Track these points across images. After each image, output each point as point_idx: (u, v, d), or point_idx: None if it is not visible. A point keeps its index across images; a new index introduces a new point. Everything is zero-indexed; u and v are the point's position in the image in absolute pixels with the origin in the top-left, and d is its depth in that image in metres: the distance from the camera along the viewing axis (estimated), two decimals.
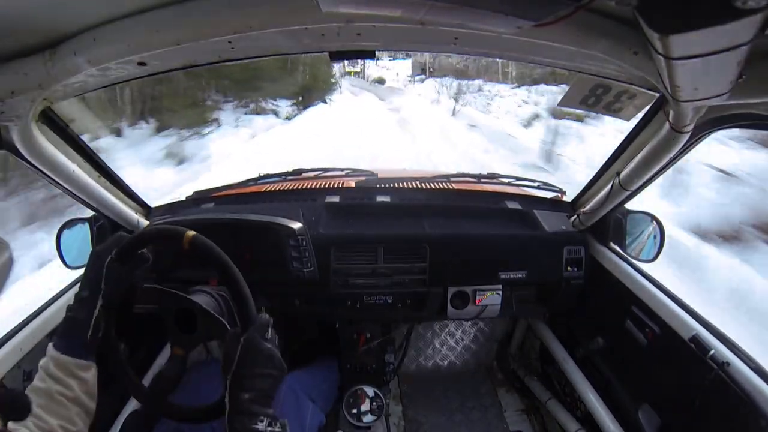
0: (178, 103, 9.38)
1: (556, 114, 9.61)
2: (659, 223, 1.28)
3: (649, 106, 0.96)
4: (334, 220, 1.46)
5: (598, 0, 0.44)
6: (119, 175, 1.26)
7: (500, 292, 1.42)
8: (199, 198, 1.62)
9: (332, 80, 18.96)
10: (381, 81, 32.31)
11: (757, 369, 0.89)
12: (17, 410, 0.56)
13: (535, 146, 8.30)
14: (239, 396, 0.67)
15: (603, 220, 1.37)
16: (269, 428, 0.66)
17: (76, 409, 0.71)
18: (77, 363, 0.73)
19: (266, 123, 11.10)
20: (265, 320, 0.73)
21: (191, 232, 0.79)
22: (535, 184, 1.65)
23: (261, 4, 0.64)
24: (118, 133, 8.04)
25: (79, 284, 0.80)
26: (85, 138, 1.08)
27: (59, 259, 1.26)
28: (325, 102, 16.17)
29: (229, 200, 1.59)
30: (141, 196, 1.42)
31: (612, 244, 1.40)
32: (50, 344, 0.74)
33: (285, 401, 1.19)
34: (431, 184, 1.66)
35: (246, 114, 11.41)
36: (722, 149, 5.46)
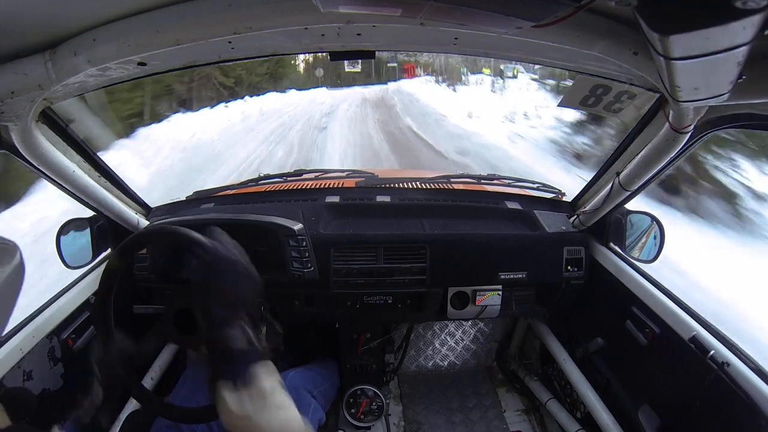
0: None
1: None
2: (659, 223, 1.28)
3: (649, 106, 0.96)
4: (334, 220, 1.46)
5: (598, 0, 0.44)
6: (119, 175, 1.26)
7: (500, 293, 1.42)
8: (199, 198, 1.62)
9: None
10: None
11: (757, 369, 0.89)
12: (23, 407, 0.54)
13: None
14: (211, 310, 0.62)
15: (603, 220, 1.37)
16: (242, 335, 0.61)
17: None
18: None
19: None
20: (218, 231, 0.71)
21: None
22: (535, 186, 1.65)
23: (261, 4, 0.64)
24: None
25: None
26: None
27: (59, 259, 1.27)
28: None
29: (229, 200, 1.59)
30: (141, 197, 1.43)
31: (612, 245, 1.39)
32: None
33: None
34: (431, 184, 1.66)
35: None
36: None
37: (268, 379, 0.59)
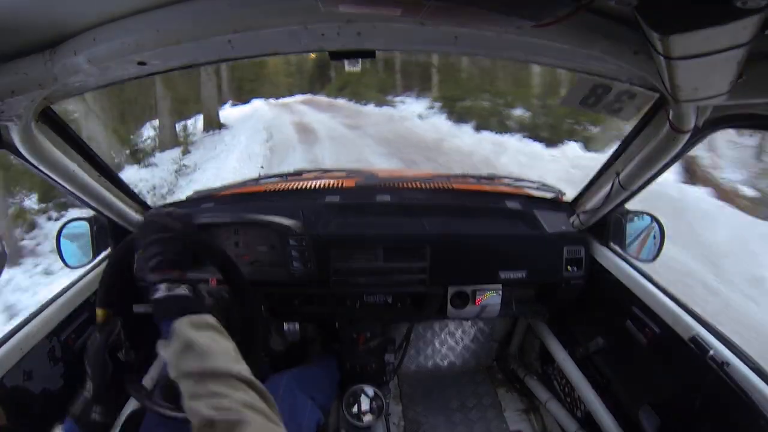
0: None
1: None
2: (659, 223, 1.28)
3: (649, 106, 0.96)
4: (334, 219, 1.46)
5: (598, 0, 0.44)
6: (119, 175, 1.26)
7: (500, 292, 1.42)
8: (200, 198, 1.62)
9: None
10: None
11: (756, 369, 0.89)
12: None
13: None
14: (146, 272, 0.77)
15: (603, 220, 1.37)
16: (168, 293, 0.74)
17: None
18: None
19: None
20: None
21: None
22: (535, 185, 1.66)
23: (261, 3, 0.64)
24: None
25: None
26: None
27: (59, 258, 1.27)
28: None
29: (228, 200, 1.59)
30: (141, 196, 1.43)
31: (612, 244, 1.39)
32: None
33: (283, 401, 1.19)
34: (431, 183, 1.66)
35: None
36: None
37: (190, 330, 0.67)
